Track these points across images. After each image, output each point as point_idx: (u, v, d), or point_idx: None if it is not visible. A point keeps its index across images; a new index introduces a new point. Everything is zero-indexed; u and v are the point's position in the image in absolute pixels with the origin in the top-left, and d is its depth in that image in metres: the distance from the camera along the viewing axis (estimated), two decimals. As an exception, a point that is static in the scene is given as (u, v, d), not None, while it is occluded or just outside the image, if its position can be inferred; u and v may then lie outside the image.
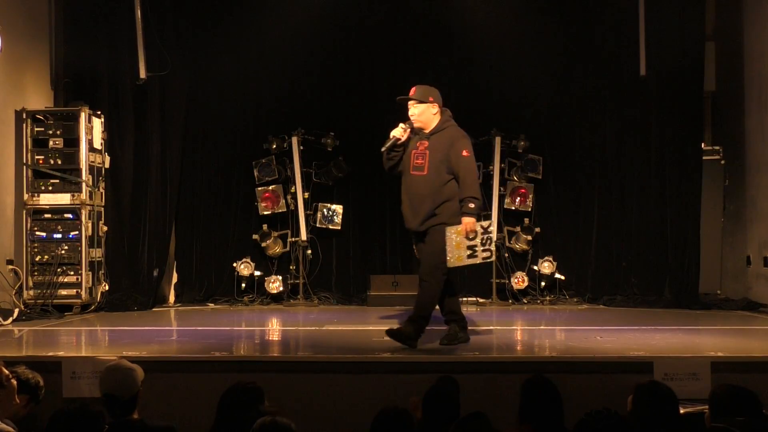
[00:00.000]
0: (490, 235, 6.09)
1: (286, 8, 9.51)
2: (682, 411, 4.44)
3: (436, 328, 6.32)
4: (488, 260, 6.32)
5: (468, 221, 5.98)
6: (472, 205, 5.99)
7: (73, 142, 8.68)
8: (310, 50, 9.66)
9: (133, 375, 4.24)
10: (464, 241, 5.99)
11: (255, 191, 9.58)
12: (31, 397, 4.52)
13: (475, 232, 6.00)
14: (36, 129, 8.66)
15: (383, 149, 6.24)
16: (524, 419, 4.01)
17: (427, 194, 6.06)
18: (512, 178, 9.57)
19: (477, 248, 6.02)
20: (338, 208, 9.61)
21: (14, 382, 4.33)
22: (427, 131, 6.18)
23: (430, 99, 6.19)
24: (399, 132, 6.17)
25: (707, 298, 9.28)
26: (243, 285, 9.45)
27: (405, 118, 6.28)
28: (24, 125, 8.62)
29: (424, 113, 6.17)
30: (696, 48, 9.34)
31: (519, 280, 9.36)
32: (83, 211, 8.65)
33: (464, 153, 6.08)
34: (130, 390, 4.17)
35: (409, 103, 6.23)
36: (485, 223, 6.12)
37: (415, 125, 6.20)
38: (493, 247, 6.14)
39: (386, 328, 6.09)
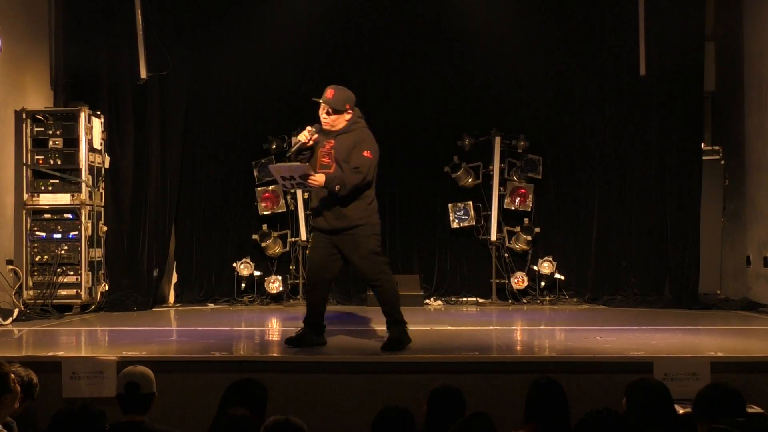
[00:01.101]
0: (302, 182, 5.86)
1: (286, 9, 9.52)
2: (681, 411, 4.44)
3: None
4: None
5: (319, 178, 5.79)
6: (337, 188, 5.81)
7: (72, 142, 8.68)
8: (310, 50, 9.66)
9: (152, 377, 4.33)
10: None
11: (255, 191, 9.58)
12: (26, 395, 4.53)
13: (303, 175, 5.82)
14: (36, 129, 8.66)
15: (288, 154, 6.08)
16: (529, 418, 4.01)
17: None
18: (512, 178, 9.57)
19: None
20: (338, 208, 9.60)
21: (18, 387, 4.33)
22: (334, 129, 6.03)
23: (347, 106, 6.02)
24: (304, 137, 5.98)
25: (707, 298, 9.28)
26: (243, 285, 9.45)
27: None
28: (24, 125, 8.62)
29: (338, 120, 6.00)
30: (696, 48, 9.33)
31: (519, 280, 9.36)
32: (83, 211, 8.65)
33: (365, 153, 5.93)
34: (149, 386, 4.25)
35: (323, 105, 6.00)
36: (313, 184, 5.87)
37: (325, 128, 6.04)
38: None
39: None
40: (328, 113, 5.99)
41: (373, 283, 6.13)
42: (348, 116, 6.03)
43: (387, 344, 5.90)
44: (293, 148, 6.06)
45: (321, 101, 6.01)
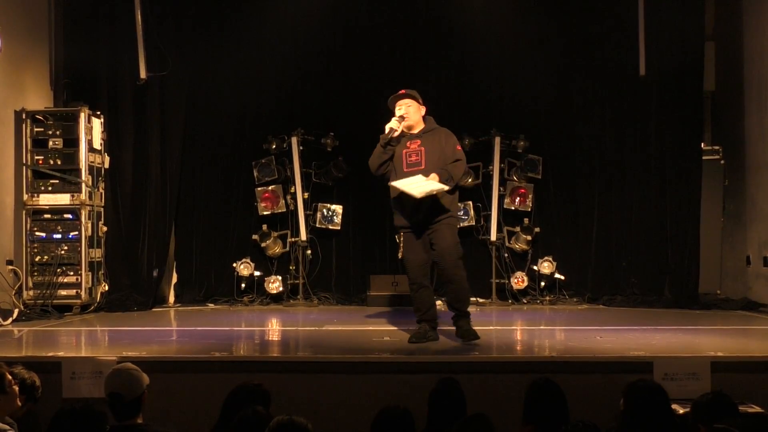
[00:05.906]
0: (430, 187, 6.07)
1: (286, 9, 9.52)
2: (681, 411, 4.44)
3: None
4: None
5: (434, 178, 6.09)
6: (446, 177, 6.14)
7: (72, 142, 8.68)
8: (310, 50, 9.66)
9: (138, 377, 4.21)
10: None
11: (255, 191, 9.58)
12: (28, 397, 4.52)
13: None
14: (36, 129, 8.66)
15: (383, 143, 6.28)
16: (528, 420, 4.01)
17: None
18: (512, 178, 9.57)
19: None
20: (338, 209, 9.62)
21: (16, 388, 4.32)
22: (414, 131, 6.38)
23: (420, 101, 6.40)
24: (395, 124, 6.28)
25: (707, 298, 9.28)
26: (243, 285, 9.45)
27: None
28: (24, 125, 8.62)
29: (417, 112, 6.38)
30: (696, 48, 9.33)
31: (519, 280, 9.36)
32: (83, 212, 8.65)
33: (458, 147, 6.44)
34: (134, 391, 4.12)
35: (402, 101, 6.37)
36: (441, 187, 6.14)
37: (406, 122, 6.34)
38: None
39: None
40: (408, 106, 6.30)
41: (451, 277, 6.26)
42: (422, 111, 6.39)
43: (465, 335, 6.15)
44: (387, 136, 6.25)
45: (402, 97, 6.31)
